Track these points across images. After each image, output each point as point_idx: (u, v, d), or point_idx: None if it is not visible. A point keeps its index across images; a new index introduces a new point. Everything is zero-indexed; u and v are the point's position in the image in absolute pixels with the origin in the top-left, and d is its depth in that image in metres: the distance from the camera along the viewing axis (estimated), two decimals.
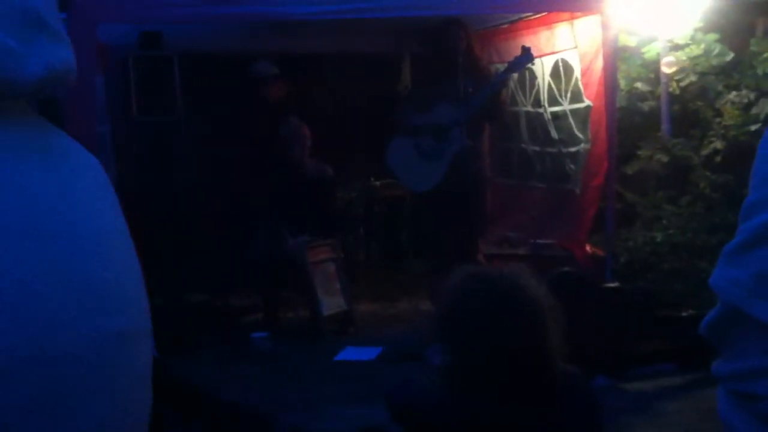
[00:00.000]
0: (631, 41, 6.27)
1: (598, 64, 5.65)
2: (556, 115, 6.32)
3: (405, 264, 7.36)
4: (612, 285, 5.36)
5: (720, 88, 6.16)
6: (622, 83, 6.27)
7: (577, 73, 5.94)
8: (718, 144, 6.02)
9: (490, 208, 6.28)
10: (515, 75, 6.20)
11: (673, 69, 6.12)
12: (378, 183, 7.37)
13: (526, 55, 5.53)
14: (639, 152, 6.28)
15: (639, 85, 6.40)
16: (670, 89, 6.20)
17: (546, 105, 6.42)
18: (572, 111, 6.09)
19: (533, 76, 6.49)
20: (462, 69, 5.60)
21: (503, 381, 1.92)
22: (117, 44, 6.11)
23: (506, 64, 5.76)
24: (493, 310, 1.92)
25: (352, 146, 7.38)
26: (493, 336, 1.91)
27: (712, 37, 6.18)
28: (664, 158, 6.16)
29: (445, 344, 1.98)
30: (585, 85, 5.85)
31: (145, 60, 6.35)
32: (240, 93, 6.55)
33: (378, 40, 6.83)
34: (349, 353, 5.53)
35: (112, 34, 5.71)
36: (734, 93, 6.08)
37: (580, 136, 6.00)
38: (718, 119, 6.10)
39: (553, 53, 6.21)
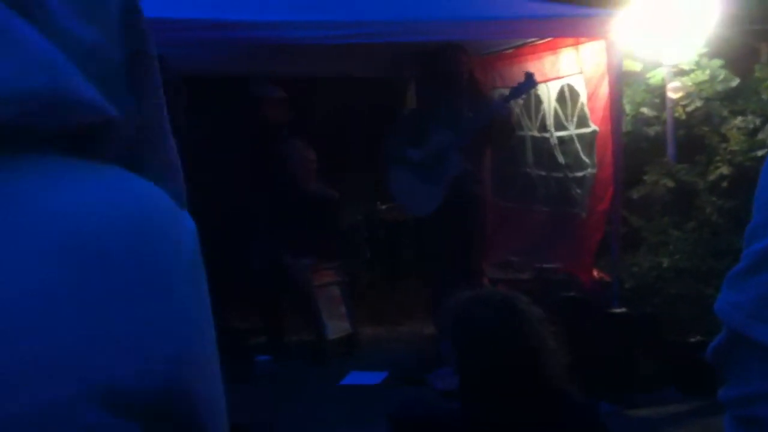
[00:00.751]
0: (635, 66, 6.28)
1: (604, 89, 5.65)
2: (562, 140, 6.31)
3: (408, 286, 7.35)
4: (618, 311, 5.34)
5: (725, 113, 6.16)
6: (627, 108, 6.27)
7: (583, 98, 5.95)
8: (725, 169, 6.01)
9: (493, 232, 6.25)
10: (520, 100, 6.20)
11: (679, 94, 6.13)
12: (382, 206, 7.36)
13: (529, 81, 5.53)
14: (645, 177, 6.28)
15: (645, 110, 6.40)
16: (676, 114, 6.20)
17: (552, 130, 6.41)
18: (578, 136, 6.09)
19: (539, 101, 6.50)
20: (462, 93, 5.60)
21: (504, 389, 1.97)
22: None
23: (509, 90, 5.76)
24: (491, 320, 2.02)
25: (355, 169, 7.37)
26: (491, 344, 1.99)
27: (717, 62, 6.19)
28: (670, 183, 6.15)
29: (452, 361, 2.05)
30: (591, 110, 5.85)
31: None
32: (240, 114, 6.54)
33: (382, 64, 6.83)
34: (354, 377, 5.52)
35: None
36: (740, 118, 6.09)
37: (587, 160, 5.99)
38: (723, 145, 6.10)
39: (558, 78, 6.22)
